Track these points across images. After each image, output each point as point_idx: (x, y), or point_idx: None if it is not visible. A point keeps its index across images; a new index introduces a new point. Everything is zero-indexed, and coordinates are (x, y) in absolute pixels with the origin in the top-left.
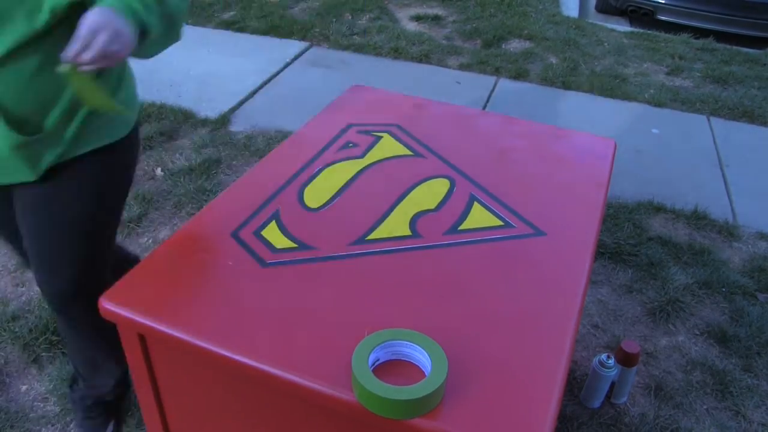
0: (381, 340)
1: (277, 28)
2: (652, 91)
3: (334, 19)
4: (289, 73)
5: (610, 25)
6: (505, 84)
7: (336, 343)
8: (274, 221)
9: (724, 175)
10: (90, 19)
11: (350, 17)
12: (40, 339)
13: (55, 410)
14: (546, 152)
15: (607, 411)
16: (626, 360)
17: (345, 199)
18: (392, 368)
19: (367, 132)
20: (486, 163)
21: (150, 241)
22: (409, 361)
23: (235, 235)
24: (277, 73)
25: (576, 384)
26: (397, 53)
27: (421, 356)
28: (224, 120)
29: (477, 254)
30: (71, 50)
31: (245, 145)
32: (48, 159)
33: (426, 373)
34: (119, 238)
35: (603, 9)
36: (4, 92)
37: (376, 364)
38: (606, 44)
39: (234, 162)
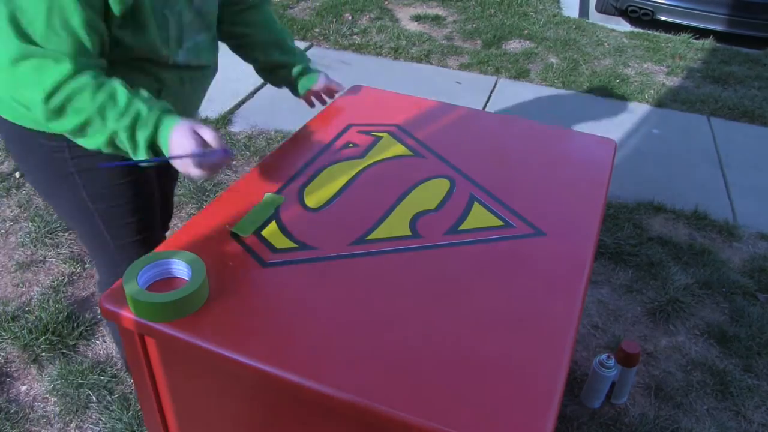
0: (147, 261)
1: None
2: (652, 91)
3: (334, 19)
4: None
5: (610, 25)
6: (505, 84)
7: (336, 344)
8: (274, 221)
9: (724, 175)
10: None
11: (350, 17)
12: (40, 339)
13: (55, 410)
14: (546, 152)
15: (607, 411)
16: (626, 360)
17: (345, 199)
18: (164, 285)
19: (367, 132)
20: (486, 163)
21: None
22: (178, 277)
23: (235, 235)
24: None
25: (576, 384)
26: (397, 53)
27: (184, 270)
28: (224, 120)
29: (477, 254)
30: None
31: (245, 145)
32: None
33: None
34: None
35: (603, 9)
36: None
37: (148, 284)
38: (606, 44)
39: (234, 162)
